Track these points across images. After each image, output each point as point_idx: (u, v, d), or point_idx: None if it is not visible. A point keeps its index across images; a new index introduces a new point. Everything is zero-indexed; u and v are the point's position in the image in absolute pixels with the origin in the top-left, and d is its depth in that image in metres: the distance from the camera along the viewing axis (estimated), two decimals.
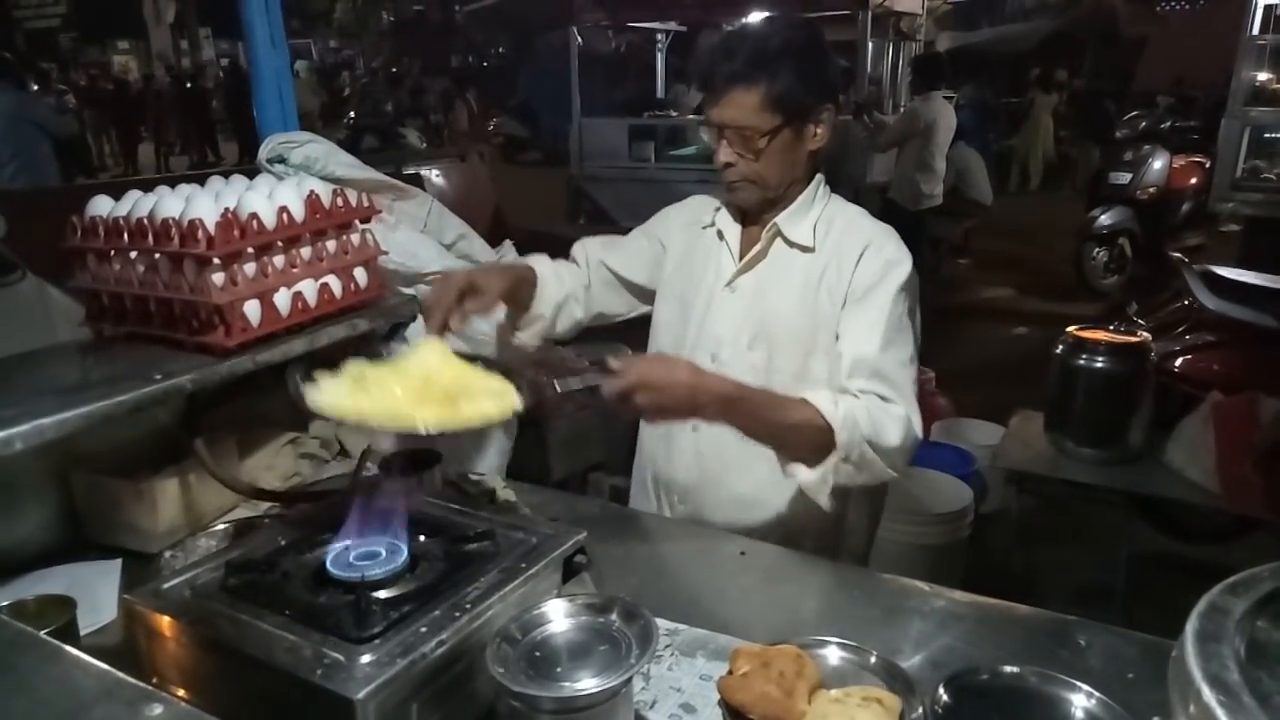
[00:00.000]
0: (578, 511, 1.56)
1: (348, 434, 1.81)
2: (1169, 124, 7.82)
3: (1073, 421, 2.66)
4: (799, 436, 1.37)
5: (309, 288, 1.44)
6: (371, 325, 1.58)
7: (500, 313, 1.69)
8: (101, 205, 1.40)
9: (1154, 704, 0.98)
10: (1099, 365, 2.56)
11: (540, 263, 1.72)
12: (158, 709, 0.62)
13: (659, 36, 9.91)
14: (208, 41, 22.58)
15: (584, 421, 3.16)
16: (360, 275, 1.55)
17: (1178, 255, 3.40)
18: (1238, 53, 5.10)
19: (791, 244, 1.57)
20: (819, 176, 1.60)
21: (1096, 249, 7.08)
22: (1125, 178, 7.07)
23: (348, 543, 1.10)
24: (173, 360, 1.29)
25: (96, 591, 1.29)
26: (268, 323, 1.37)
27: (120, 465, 1.44)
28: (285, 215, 1.39)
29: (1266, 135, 5.35)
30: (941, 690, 1.00)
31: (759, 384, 1.44)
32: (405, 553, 1.07)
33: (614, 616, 0.97)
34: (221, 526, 1.46)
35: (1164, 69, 13.81)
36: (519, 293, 1.64)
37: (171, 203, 1.33)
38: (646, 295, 1.76)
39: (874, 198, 6.19)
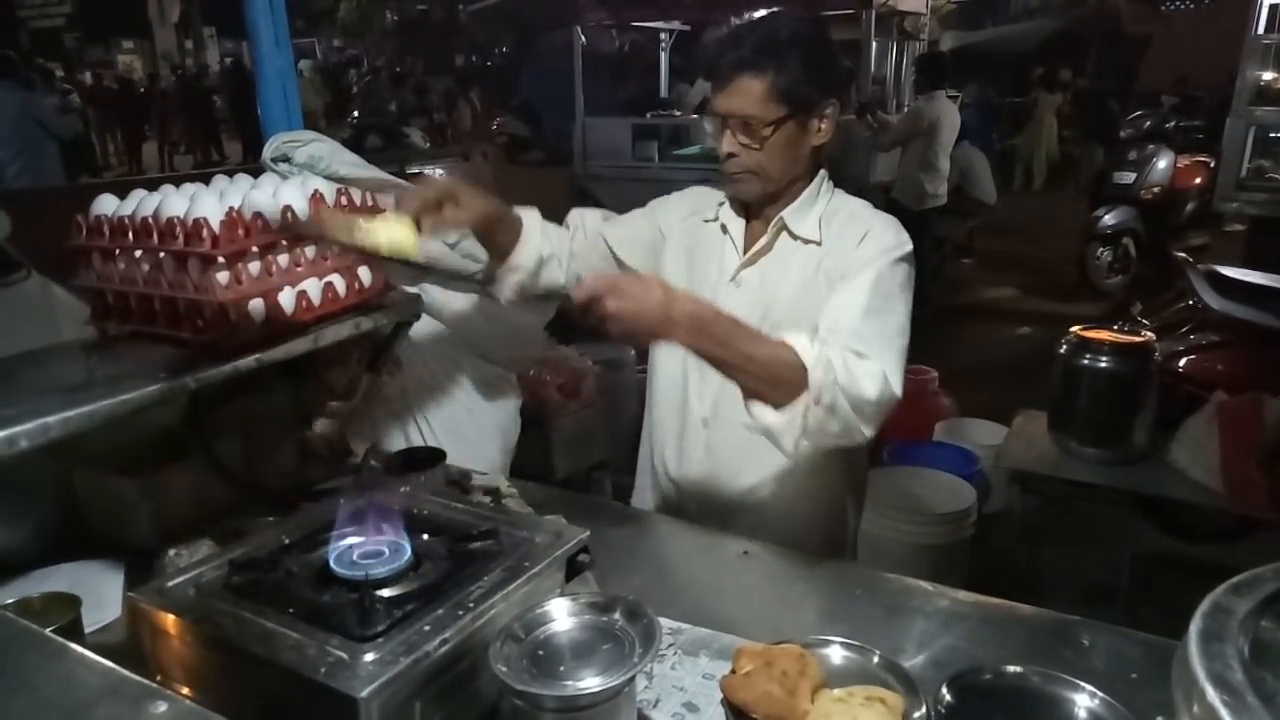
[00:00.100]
0: (581, 510, 1.56)
1: (351, 434, 1.82)
2: (1173, 123, 7.80)
3: (1076, 421, 2.66)
4: (770, 371, 1.30)
5: (313, 287, 1.44)
6: (375, 324, 1.58)
7: (472, 241, 1.66)
8: (106, 204, 1.40)
9: (1157, 704, 0.98)
10: (1103, 365, 2.56)
11: (530, 214, 1.66)
12: (162, 707, 0.62)
13: (662, 36, 9.92)
14: (212, 41, 22.63)
15: (587, 420, 3.17)
16: (364, 274, 1.55)
17: (1182, 255, 3.39)
18: (1243, 52, 5.09)
19: (797, 238, 1.57)
20: (823, 172, 1.60)
21: (1100, 249, 7.06)
22: (1129, 177, 7.05)
23: (351, 541, 1.10)
24: (177, 359, 1.29)
25: (101, 589, 1.30)
26: (272, 322, 1.37)
27: (125, 464, 1.44)
28: (290, 214, 1.39)
29: (1271, 135, 5.33)
30: (944, 690, 1.00)
31: None
32: (408, 551, 1.08)
33: (617, 615, 0.97)
34: (225, 525, 1.46)
35: (1168, 68, 13.81)
36: (501, 232, 1.59)
37: (176, 202, 1.34)
38: None
39: (878, 197, 6.16)
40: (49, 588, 1.22)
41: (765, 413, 1.32)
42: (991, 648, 1.20)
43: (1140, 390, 2.58)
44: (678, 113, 8.74)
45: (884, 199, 6.15)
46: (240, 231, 1.32)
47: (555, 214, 1.74)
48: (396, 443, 1.94)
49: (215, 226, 1.29)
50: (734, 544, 1.51)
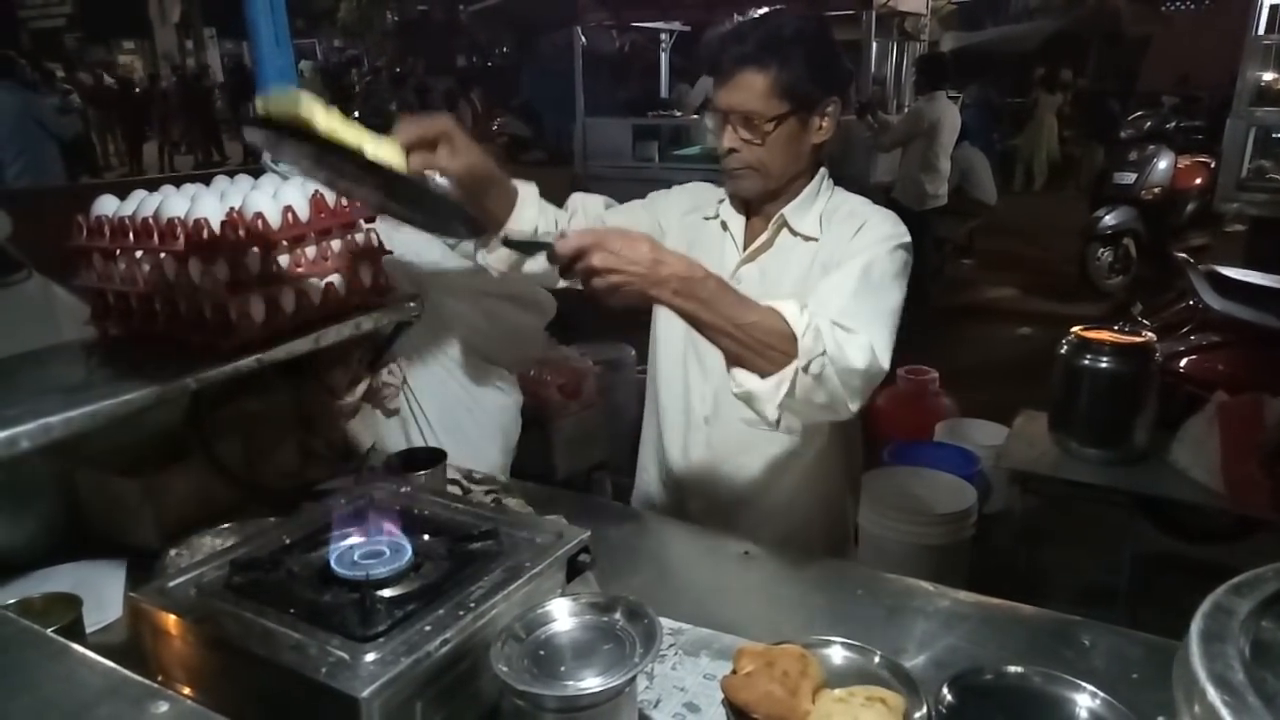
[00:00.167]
0: (582, 510, 1.56)
1: (352, 434, 1.82)
2: (1174, 124, 7.80)
3: (1077, 422, 2.65)
4: (757, 338, 1.25)
5: (314, 287, 1.44)
6: (376, 324, 1.59)
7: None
8: (107, 204, 1.40)
9: (1158, 704, 0.98)
10: (1103, 365, 2.55)
11: (527, 186, 1.59)
12: (163, 707, 0.62)
13: (663, 36, 9.94)
14: (212, 41, 22.61)
15: (588, 421, 3.17)
16: (365, 274, 1.55)
17: (1182, 255, 3.40)
18: (1243, 52, 5.09)
19: (797, 234, 1.57)
20: (823, 170, 1.60)
21: (1101, 249, 7.06)
22: (1130, 178, 7.05)
23: (352, 542, 1.10)
24: (178, 359, 1.29)
25: (102, 590, 1.30)
26: (272, 322, 1.37)
27: (126, 464, 1.44)
28: (290, 215, 1.39)
29: (1272, 135, 5.34)
30: (945, 690, 1.00)
31: None
32: (409, 551, 1.07)
33: (618, 615, 0.97)
34: (226, 525, 1.46)
35: (1169, 69, 13.82)
36: (492, 196, 1.52)
37: (177, 202, 1.34)
38: None
39: (878, 198, 6.14)
40: (50, 588, 1.22)
41: (749, 379, 1.27)
42: (992, 648, 1.20)
43: (1141, 391, 2.58)
44: (678, 113, 8.75)
45: (885, 199, 6.15)
46: (240, 232, 1.32)
47: None
48: (397, 443, 1.94)
49: (216, 227, 1.29)
50: (735, 544, 1.51)
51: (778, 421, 1.29)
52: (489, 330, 2.13)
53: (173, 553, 1.34)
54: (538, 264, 1.55)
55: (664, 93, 10.34)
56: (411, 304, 1.66)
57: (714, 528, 1.63)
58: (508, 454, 2.26)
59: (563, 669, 0.91)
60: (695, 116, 8.04)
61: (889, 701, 0.98)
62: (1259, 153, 5.26)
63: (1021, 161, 12.89)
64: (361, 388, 1.81)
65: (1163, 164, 7.05)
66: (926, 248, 6.17)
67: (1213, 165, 6.71)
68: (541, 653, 0.93)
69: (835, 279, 1.42)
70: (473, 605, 1.00)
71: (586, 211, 1.69)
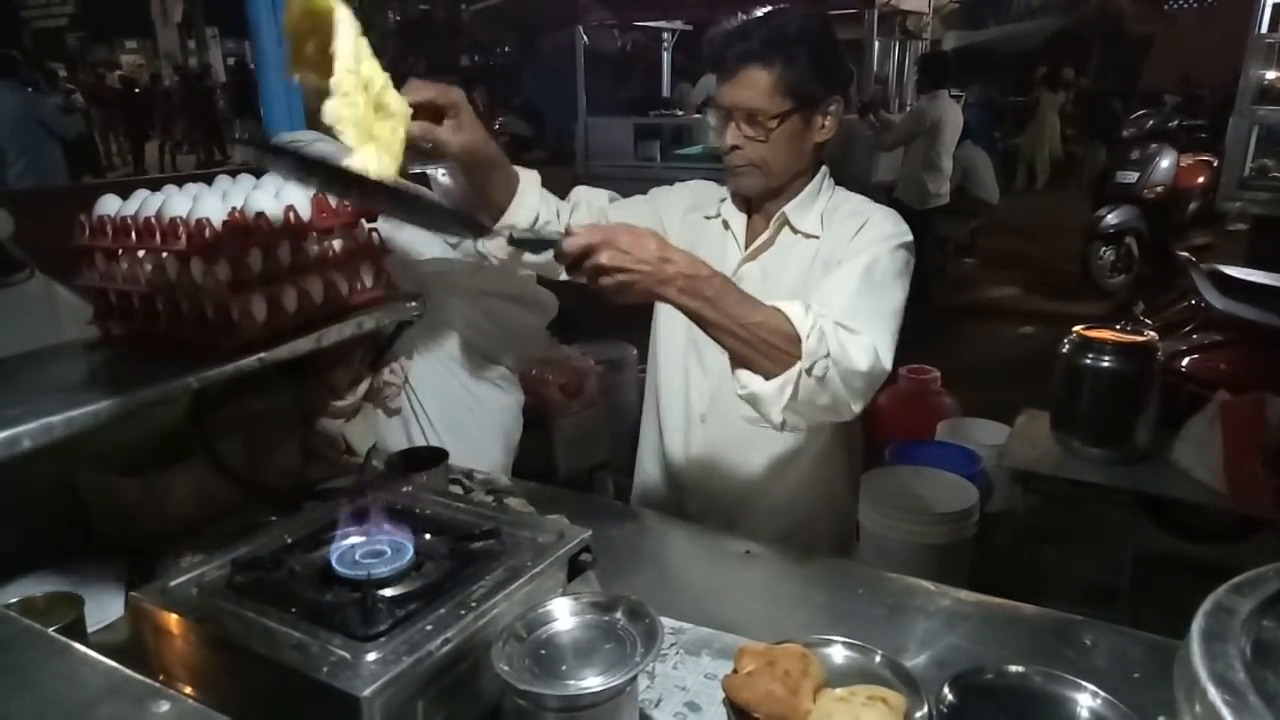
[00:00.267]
0: (583, 510, 1.56)
1: (354, 433, 1.82)
2: (1176, 123, 7.80)
3: (1079, 421, 2.65)
4: (761, 338, 1.25)
5: (315, 286, 1.44)
6: (378, 324, 1.59)
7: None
8: (109, 204, 1.40)
9: (1160, 704, 0.98)
10: (1105, 365, 2.55)
11: (529, 174, 1.58)
12: (165, 706, 0.62)
13: (664, 35, 9.94)
14: (215, 41, 22.62)
15: (590, 420, 3.17)
16: (367, 274, 1.55)
17: (1185, 254, 3.39)
18: (1246, 51, 5.08)
19: (798, 232, 1.57)
20: (824, 169, 1.60)
21: (1103, 248, 7.06)
22: (1132, 177, 7.05)
23: (353, 541, 1.10)
24: (179, 359, 1.29)
25: (104, 589, 1.30)
26: (274, 321, 1.37)
27: (127, 464, 1.44)
28: (292, 214, 1.39)
29: (1275, 134, 5.32)
30: (947, 689, 1.00)
31: None
32: (411, 551, 1.08)
33: (619, 615, 0.97)
34: (228, 525, 1.46)
35: (1171, 67, 13.79)
36: (492, 180, 1.51)
37: (179, 202, 1.34)
38: None
39: (880, 197, 6.14)
40: (52, 587, 1.22)
41: (753, 380, 1.27)
42: (994, 647, 1.20)
43: (1143, 390, 2.58)
44: (680, 112, 8.76)
45: (887, 199, 6.15)
46: (243, 232, 1.32)
47: None
48: (399, 442, 1.93)
49: (218, 226, 1.29)
50: (736, 543, 1.51)
51: (782, 424, 1.29)
52: (491, 329, 2.13)
53: (174, 552, 1.34)
54: (539, 255, 1.53)
55: (666, 92, 10.35)
56: (413, 303, 1.66)
57: (713, 526, 1.63)
58: (509, 453, 2.26)
59: (564, 668, 0.91)
60: (697, 115, 8.04)
61: (890, 701, 0.98)
62: (1261, 151, 5.25)
63: (1024, 160, 12.88)
64: (363, 387, 1.81)
65: (1165, 163, 7.04)
66: (929, 247, 6.17)
67: (1215, 164, 6.70)
68: (543, 652, 0.93)
69: (837, 278, 1.42)
70: (474, 604, 1.00)
71: (590, 204, 1.68)
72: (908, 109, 7.72)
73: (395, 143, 1.14)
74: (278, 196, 1.40)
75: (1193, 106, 9.75)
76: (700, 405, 1.66)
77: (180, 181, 1.45)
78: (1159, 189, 7.01)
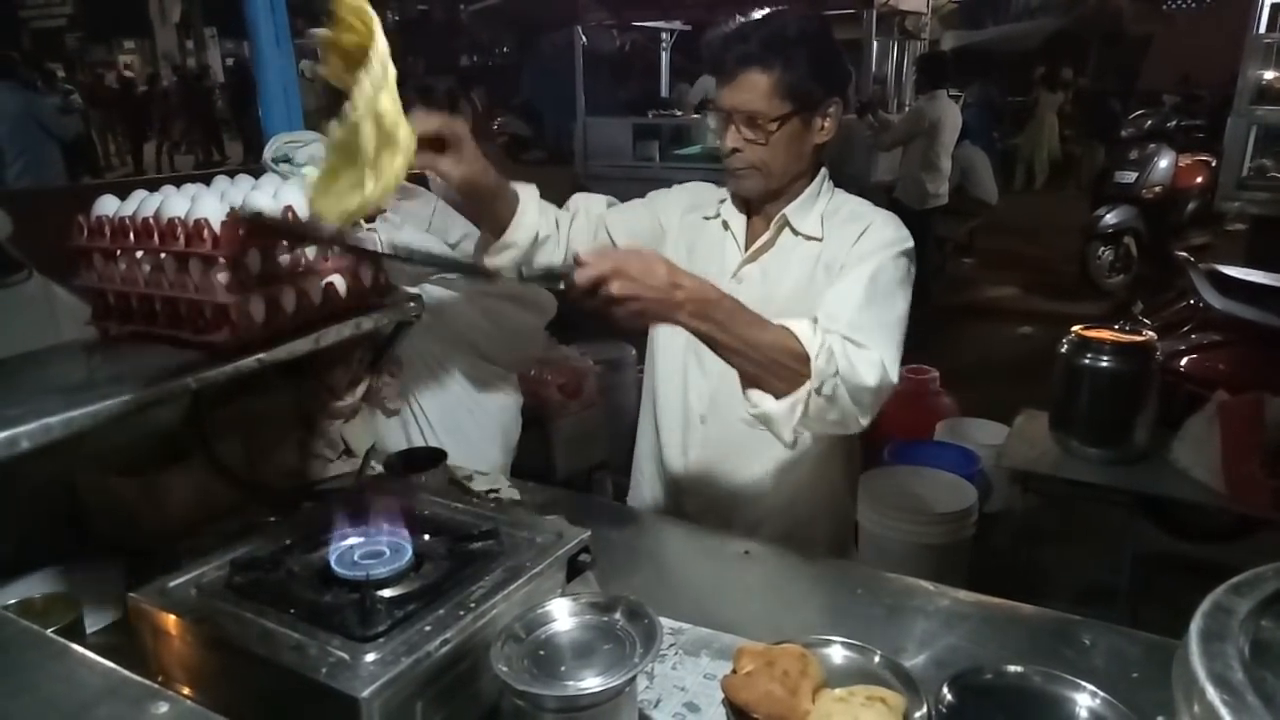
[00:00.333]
0: (582, 510, 1.56)
1: (353, 433, 1.82)
2: (1175, 123, 7.80)
3: (1078, 421, 2.65)
4: (771, 358, 1.28)
5: (314, 287, 1.44)
6: (376, 324, 1.58)
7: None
8: (107, 205, 1.40)
9: (1158, 704, 0.98)
10: (1104, 364, 2.55)
11: (527, 190, 1.60)
12: (163, 707, 0.62)
13: (663, 35, 9.94)
14: (213, 41, 22.61)
15: (588, 421, 3.17)
16: (365, 275, 1.55)
17: (1183, 254, 3.40)
18: (1244, 51, 5.08)
19: (799, 234, 1.57)
20: (824, 170, 1.61)
21: (1102, 248, 7.07)
22: (1131, 176, 7.05)
23: (352, 542, 1.10)
24: (178, 359, 1.29)
25: (102, 590, 1.30)
26: (273, 322, 1.37)
27: (126, 464, 1.44)
28: (291, 215, 1.39)
29: (1273, 134, 5.33)
30: (945, 690, 1.00)
31: None
32: (409, 551, 1.08)
33: (618, 615, 0.97)
34: (226, 525, 1.46)
35: (1170, 67, 13.79)
36: (493, 205, 1.54)
37: (177, 202, 1.34)
38: None
39: (879, 197, 6.16)
40: (50, 588, 1.22)
41: (764, 400, 1.30)
42: (993, 647, 1.20)
43: (1142, 390, 2.58)
44: (678, 112, 8.76)
45: (886, 199, 6.15)
46: (241, 232, 1.32)
47: None
48: (397, 443, 1.93)
49: (216, 227, 1.29)
50: (735, 544, 1.51)
51: (794, 443, 1.33)
52: (489, 330, 2.13)
53: (173, 553, 1.33)
54: (541, 267, 1.57)
55: (664, 92, 10.34)
56: (412, 304, 1.66)
57: (712, 527, 1.63)
58: (508, 454, 2.26)
59: (563, 669, 0.91)
60: (696, 116, 8.05)
61: (889, 701, 0.98)
62: (1260, 151, 5.25)
63: (1022, 160, 12.89)
64: (362, 388, 1.81)
65: (1164, 163, 7.05)
66: (928, 247, 6.17)
67: (1214, 164, 6.70)
68: (541, 653, 0.93)
69: (842, 288, 1.43)
70: (473, 605, 1.00)
71: (588, 212, 1.69)
72: (906, 109, 7.72)
73: (393, 175, 1.14)
74: (276, 196, 1.40)
75: (1191, 106, 9.74)
76: (699, 406, 1.66)
77: (178, 182, 1.45)
78: (1157, 189, 7.01)
